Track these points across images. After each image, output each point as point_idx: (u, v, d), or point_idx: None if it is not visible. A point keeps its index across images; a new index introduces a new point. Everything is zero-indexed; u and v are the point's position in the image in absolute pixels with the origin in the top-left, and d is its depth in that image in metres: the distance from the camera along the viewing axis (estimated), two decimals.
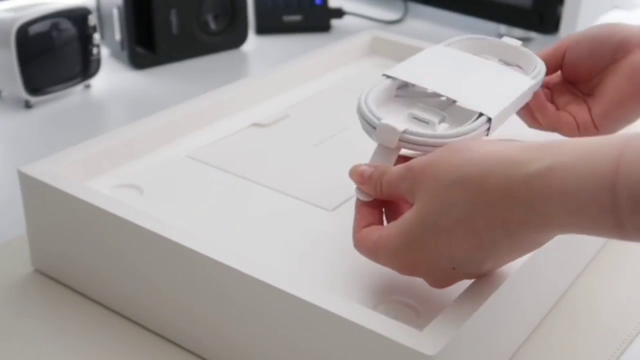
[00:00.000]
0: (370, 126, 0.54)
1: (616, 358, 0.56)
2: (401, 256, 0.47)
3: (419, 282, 0.53)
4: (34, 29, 0.91)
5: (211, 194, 0.64)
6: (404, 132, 0.52)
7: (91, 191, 0.59)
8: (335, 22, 1.24)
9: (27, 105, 0.94)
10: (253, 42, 1.17)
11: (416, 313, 0.51)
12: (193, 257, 0.52)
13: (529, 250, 0.47)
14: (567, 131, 0.63)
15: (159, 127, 0.70)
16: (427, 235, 0.46)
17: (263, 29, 1.20)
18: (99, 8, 1.09)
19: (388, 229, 0.48)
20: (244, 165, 0.67)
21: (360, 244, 0.50)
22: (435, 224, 0.45)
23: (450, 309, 0.47)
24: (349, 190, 0.63)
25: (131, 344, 0.57)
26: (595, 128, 0.62)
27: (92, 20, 0.96)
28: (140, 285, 0.57)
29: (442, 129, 0.55)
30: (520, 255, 0.47)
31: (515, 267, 0.51)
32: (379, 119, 0.53)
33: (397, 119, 0.54)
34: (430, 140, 0.52)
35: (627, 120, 0.62)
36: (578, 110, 0.63)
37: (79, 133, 0.89)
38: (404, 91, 0.60)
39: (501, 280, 0.50)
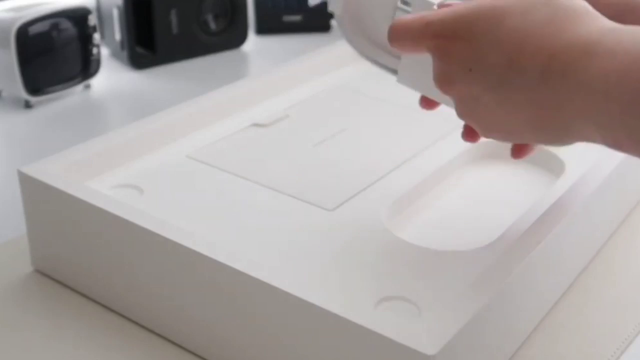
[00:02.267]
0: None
1: (616, 358, 0.56)
2: (452, 18, 0.47)
3: (419, 281, 0.53)
4: (34, 29, 0.91)
5: (211, 194, 0.64)
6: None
7: (91, 191, 0.59)
8: (335, 22, 1.24)
9: (27, 105, 0.94)
10: (253, 42, 1.17)
11: (416, 313, 0.51)
12: (193, 257, 0.52)
13: (530, 125, 0.45)
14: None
15: (159, 127, 0.70)
16: (487, 18, 0.45)
17: (263, 29, 1.20)
18: (99, 8, 1.09)
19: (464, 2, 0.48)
20: (243, 165, 0.67)
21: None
22: (501, 15, 0.45)
23: (451, 309, 0.47)
24: (349, 190, 0.64)
25: (131, 344, 0.57)
26: None
27: (92, 20, 0.96)
28: (140, 285, 0.57)
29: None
30: (519, 126, 0.46)
31: (516, 267, 0.51)
32: None
33: None
34: None
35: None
36: None
37: (79, 133, 0.89)
38: None
39: (501, 280, 0.50)
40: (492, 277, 0.50)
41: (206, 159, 0.68)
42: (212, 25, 1.11)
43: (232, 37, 1.13)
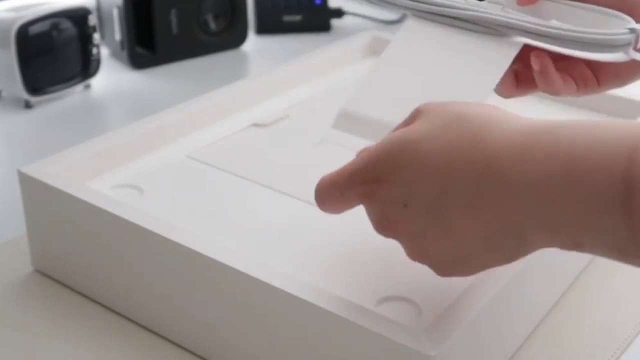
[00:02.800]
0: None
1: (616, 358, 0.56)
2: (373, 163, 0.45)
3: (419, 281, 0.53)
4: (34, 29, 0.91)
5: (211, 194, 0.64)
6: None
7: (91, 191, 0.59)
8: (335, 22, 1.24)
9: (27, 105, 0.94)
10: (253, 42, 1.17)
11: (417, 313, 0.51)
12: (193, 257, 0.52)
13: (482, 248, 0.43)
14: (567, 91, 0.55)
15: (159, 127, 0.70)
16: (407, 152, 0.43)
17: (263, 29, 1.20)
18: (99, 8, 1.09)
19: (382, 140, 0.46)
20: (243, 165, 0.67)
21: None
22: (420, 145, 0.43)
23: (451, 309, 0.47)
24: None
25: (131, 343, 0.57)
26: (597, 83, 0.56)
27: (92, 20, 0.96)
28: (140, 285, 0.57)
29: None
30: (473, 253, 0.43)
31: (516, 267, 0.51)
32: None
33: None
34: None
35: (633, 72, 0.56)
36: (573, 65, 0.55)
37: (79, 133, 0.89)
38: None
39: (501, 280, 0.50)
40: (492, 277, 0.50)
41: (206, 159, 0.68)
42: (212, 25, 1.11)
43: (232, 37, 1.13)
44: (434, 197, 0.42)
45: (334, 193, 0.47)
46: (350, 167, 0.47)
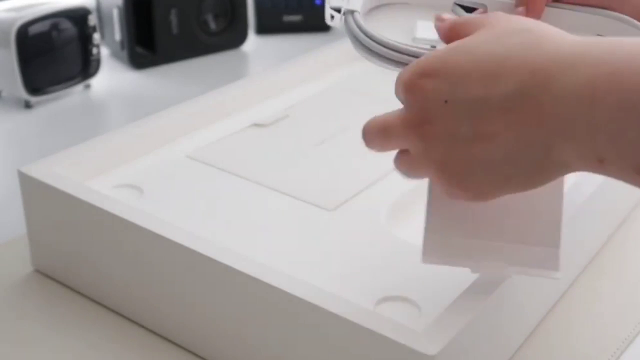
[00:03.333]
0: None
1: (616, 358, 0.56)
2: (418, 62, 0.45)
3: (419, 281, 0.53)
4: (34, 29, 0.91)
5: (211, 194, 0.64)
6: (351, 12, 0.49)
7: (91, 191, 0.59)
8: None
9: (27, 105, 0.94)
10: (253, 42, 1.17)
11: (417, 313, 0.51)
12: (193, 257, 0.52)
13: (509, 159, 0.43)
14: None
15: (159, 127, 0.70)
16: (457, 53, 0.44)
17: (263, 29, 1.20)
18: (99, 8, 1.09)
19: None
20: (244, 165, 0.67)
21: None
22: (473, 46, 0.44)
23: (451, 309, 0.47)
24: (349, 190, 0.63)
25: (131, 343, 0.57)
26: None
27: (92, 20, 0.97)
28: (140, 285, 0.57)
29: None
30: (498, 163, 0.44)
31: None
32: None
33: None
34: (361, 37, 0.48)
35: None
36: None
37: (79, 133, 0.89)
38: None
39: (501, 280, 0.50)
40: (493, 277, 0.50)
41: (206, 159, 0.68)
42: (212, 25, 1.11)
43: (232, 37, 1.13)
44: (476, 96, 0.43)
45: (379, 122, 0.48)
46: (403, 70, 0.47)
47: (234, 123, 0.75)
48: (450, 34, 0.48)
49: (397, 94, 0.47)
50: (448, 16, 0.49)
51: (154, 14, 1.04)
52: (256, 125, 0.75)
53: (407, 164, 0.47)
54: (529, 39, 0.43)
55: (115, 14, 1.04)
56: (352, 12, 0.50)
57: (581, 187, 0.60)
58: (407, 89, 0.46)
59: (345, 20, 0.50)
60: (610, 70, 0.40)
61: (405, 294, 0.52)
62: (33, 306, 0.61)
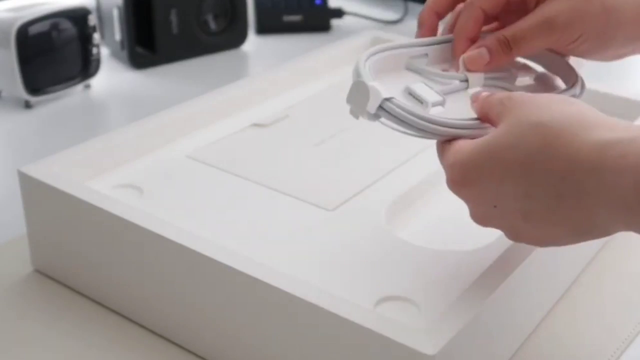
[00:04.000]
0: (356, 88, 0.50)
1: (616, 358, 0.56)
2: (459, 169, 0.47)
3: (419, 281, 0.53)
4: (34, 29, 0.91)
5: (211, 194, 0.64)
6: (388, 99, 0.49)
7: (91, 191, 0.59)
8: (335, 22, 1.24)
9: (27, 105, 0.94)
10: (253, 42, 1.17)
11: (417, 313, 0.51)
12: (193, 257, 0.52)
13: (571, 235, 0.46)
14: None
15: (159, 127, 0.70)
16: (489, 161, 0.46)
17: (263, 29, 1.20)
18: (99, 8, 1.09)
19: (469, 142, 0.48)
20: (244, 165, 0.67)
21: (442, 148, 0.50)
22: (499, 155, 0.46)
23: (451, 309, 0.47)
24: (349, 190, 0.63)
25: (131, 344, 0.57)
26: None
27: (92, 20, 0.96)
28: (140, 285, 0.57)
29: (436, 112, 0.51)
30: (562, 238, 0.46)
31: (516, 267, 0.51)
32: (368, 81, 0.50)
33: (390, 88, 0.50)
34: (410, 118, 0.49)
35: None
36: None
37: (79, 133, 0.89)
38: (417, 64, 0.56)
39: (501, 280, 0.50)
40: (492, 277, 0.50)
41: (206, 159, 0.68)
42: (212, 25, 1.11)
43: (232, 37, 1.13)
44: (520, 200, 0.45)
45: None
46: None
47: (234, 123, 0.75)
48: (481, 114, 0.50)
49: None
50: (478, 94, 0.52)
51: (154, 14, 1.04)
52: (256, 125, 0.75)
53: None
54: (545, 141, 0.44)
55: (115, 14, 1.04)
56: (389, 99, 0.50)
57: None
58: (456, 193, 0.49)
59: (387, 109, 0.50)
60: (633, 180, 0.41)
61: (405, 294, 0.52)
62: (33, 306, 0.61)
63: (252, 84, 0.80)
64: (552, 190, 0.44)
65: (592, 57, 0.58)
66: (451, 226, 0.61)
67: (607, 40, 0.55)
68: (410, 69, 0.56)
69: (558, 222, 0.45)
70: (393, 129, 0.50)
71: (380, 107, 0.49)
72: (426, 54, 0.56)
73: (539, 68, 0.60)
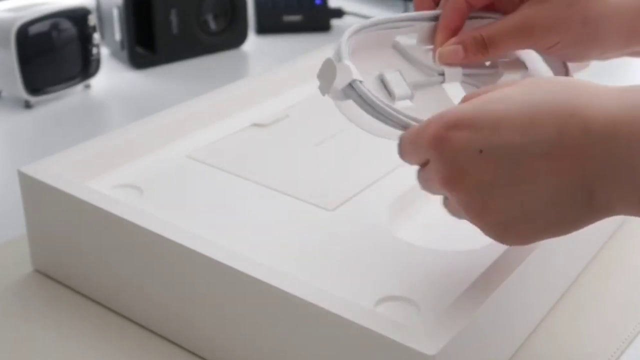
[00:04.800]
0: (327, 66, 0.50)
1: (616, 358, 0.56)
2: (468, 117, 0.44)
3: (419, 281, 0.53)
4: (34, 29, 0.91)
5: (211, 194, 0.64)
6: (355, 81, 0.49)
7: (91, 191, 0.59)
8: (335, 22, 1.24)
9: (27, 105, 0.94)
10: (253, 42, 1.17)
11: (417, 313, 0.51)
12: (193, 256, 0.52)
13: (567, 219, 0.43)
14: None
15: (159, 127, 0.70)
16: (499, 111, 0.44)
17: (263, 29, 1.20)
18: (99, 8, 1.09)
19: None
20: (244, 165, 0.67)
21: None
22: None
23: (451, 309, 0.47)
24: (349, 190, 0.63)
25: (131, 344, 0.57)
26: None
27: (92, 20, 0.97)
28: (140, 285, 0.57)
29: (400, 105, 0.51)
30: (560, 221, 0.43)
31: (516, 267, 0.51)
32: (345, 59, 0.50)
33: (368, 69, 0.50)
34: (373, 107, 0.48)
35: None
36: None
37: (79, 133, 0.89)
38: (404, 43, 0.55)
39: (501, 280, 0.50)
40: (492, 277, 0.50)
41: (206, 159, 0.68)
42: (212, 25, 1.11)
43: (232, 37, 1.13)
44: (513, 144, 0.42)
45: (410, 138, 0.48)
46: (429, 120, 0.46)
47: (234, 123, 0.75)
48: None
49: (417, 149, 0.47)
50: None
51: (154, 14, 1.04)
52: (256, 125, 0.75)
53: (451, 210, 0.49)
54: (564, 87, 0.43)
55: (115, 14, 1.04)
56: (358, 81, 0.49)
57: None
58: (436, 143, 0.45)
59: (353, 89, 0.49)
60: None
61: (405, 294, 0.52)
62: (33, 306, 0.61)
63: (252, 84, 0.80)
64: (556, 131, 0.42)
65: (572, 61, 0.58)
66: (451, 226, 0.61)
67: (585, 49, 0.55)
68: (396, 48, 0.55)
69: (542, 178, 0.42)
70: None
71: (349, 86, 0.49)
72: (415, 32, 0.56)
73: (532, 64, 0.58)
